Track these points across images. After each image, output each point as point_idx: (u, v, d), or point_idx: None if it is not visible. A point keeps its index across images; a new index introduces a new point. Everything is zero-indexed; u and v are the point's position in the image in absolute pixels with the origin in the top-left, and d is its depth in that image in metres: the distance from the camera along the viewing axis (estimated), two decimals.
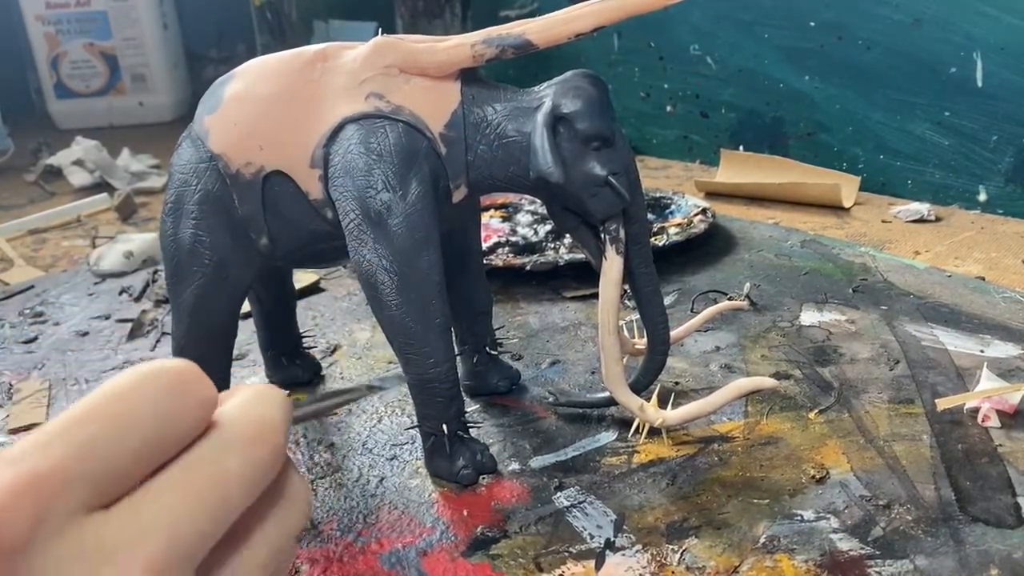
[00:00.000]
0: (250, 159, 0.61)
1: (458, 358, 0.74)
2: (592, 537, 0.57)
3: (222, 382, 0.69)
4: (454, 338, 0.69)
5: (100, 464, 0.19)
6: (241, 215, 0.63)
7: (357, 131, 0.59)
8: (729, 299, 0.94)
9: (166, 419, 0.20)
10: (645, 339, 0.68)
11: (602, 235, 0.62)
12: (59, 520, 0.18)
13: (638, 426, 0.67)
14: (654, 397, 0.66)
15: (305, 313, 0.99)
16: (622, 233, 0.61)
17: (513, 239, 1.17)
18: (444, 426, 0.63)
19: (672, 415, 0.64)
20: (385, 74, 0.60)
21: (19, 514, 0.18)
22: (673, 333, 0.70)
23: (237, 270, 0.65)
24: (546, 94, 0.60)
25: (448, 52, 0.59)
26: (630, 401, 0.65)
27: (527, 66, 1.61)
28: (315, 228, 0.63)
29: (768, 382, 0.63)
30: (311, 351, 0.86)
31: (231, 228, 0.63)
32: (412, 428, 0.69)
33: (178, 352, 0.67)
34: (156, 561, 0.19)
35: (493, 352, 0.77)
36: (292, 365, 0.82)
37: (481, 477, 0.64)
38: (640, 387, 0.68)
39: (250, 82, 0.62)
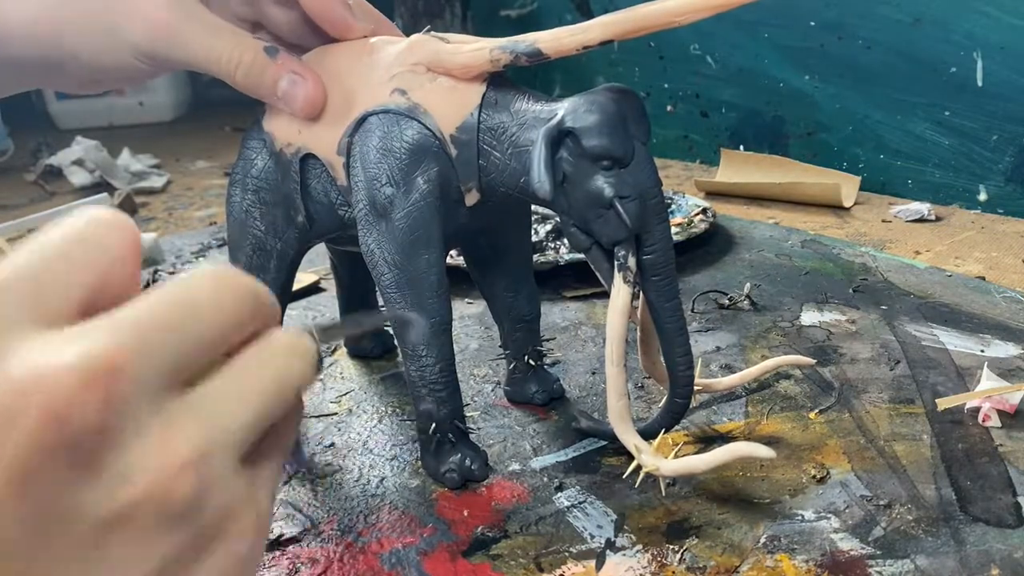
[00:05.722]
0: (291, 139, 0.63)
1: (501, 361, 0.74)
2: (592, 537, 0.57)
3: None
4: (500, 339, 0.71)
5: (169, 349, 0.20)
6: (283, 192, 0.65)
7: (377, 124, 0.59)
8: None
9: (227, 311, 0.22)
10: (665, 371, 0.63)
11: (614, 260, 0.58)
12: (134, 403, 0.19)
13: (635, 469, 0.61)
14: (658, 439, 0.61)
15: (305, 313, 0.99)
16: (631, 261, 0.56)
17: None
18: (435, 426, 0.62)
19: (668, 466, 0.59)
20: (412, 71, 0.60)
21: (91, 398, 0.18)
22: (726, 381, 0.69)
23: (282, 243, 0.67)
24: (562, 106, 0.57)
25: (470, 55, 0.59)
26: (630, 441, 0.60)
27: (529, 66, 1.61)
28: (342, 214, 0.64)
29: (764, 451, 0.57)
30: None
31: (277, 203, 0.66)
32: (413, 427, 0.69)
33: None
34: (228, 442, 0.20)
35: (533, 363, 0.74)
36: None
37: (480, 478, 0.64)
38: (656, 430, 0.62)
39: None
